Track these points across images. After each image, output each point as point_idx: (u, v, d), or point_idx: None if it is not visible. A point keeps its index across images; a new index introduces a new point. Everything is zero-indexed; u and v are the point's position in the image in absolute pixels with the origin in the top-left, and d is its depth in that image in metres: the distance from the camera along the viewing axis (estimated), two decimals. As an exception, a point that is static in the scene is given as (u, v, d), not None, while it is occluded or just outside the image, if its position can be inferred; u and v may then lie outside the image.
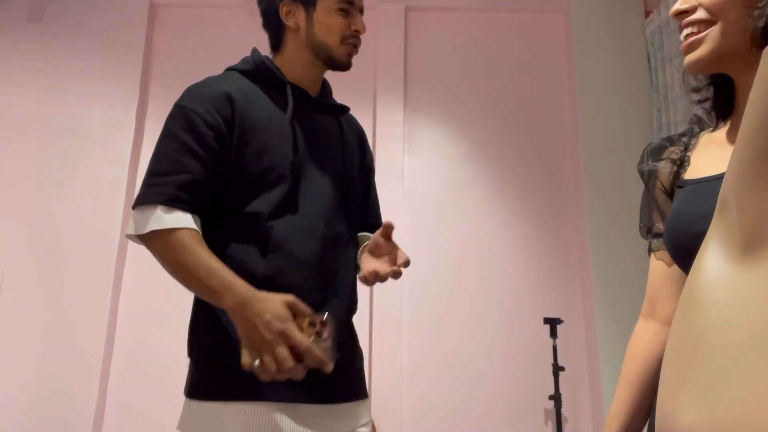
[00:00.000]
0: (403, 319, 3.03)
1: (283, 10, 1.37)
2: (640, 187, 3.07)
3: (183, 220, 1.17)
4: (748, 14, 0.81)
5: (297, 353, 1.05)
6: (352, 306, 1.35)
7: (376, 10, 3.38)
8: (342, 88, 3.27)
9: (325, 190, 1.31)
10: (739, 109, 0.91)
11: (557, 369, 2.77)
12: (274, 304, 1.08)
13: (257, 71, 1.36)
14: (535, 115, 3.34)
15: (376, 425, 2.78)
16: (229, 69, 1.40)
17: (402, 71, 3.33)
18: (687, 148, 0.98)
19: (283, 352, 1.04)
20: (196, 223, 1.19)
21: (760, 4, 0.79)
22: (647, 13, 3.29)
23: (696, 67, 0.88)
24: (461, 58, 3.43)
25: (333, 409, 1.23)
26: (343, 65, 1.39)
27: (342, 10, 1.37)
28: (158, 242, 1.17)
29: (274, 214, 1.23)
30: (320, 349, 1.06)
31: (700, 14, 0.87)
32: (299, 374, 1.05)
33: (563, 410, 2.82)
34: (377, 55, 3.34)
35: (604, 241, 3.00)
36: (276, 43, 1.41)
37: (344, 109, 1.48)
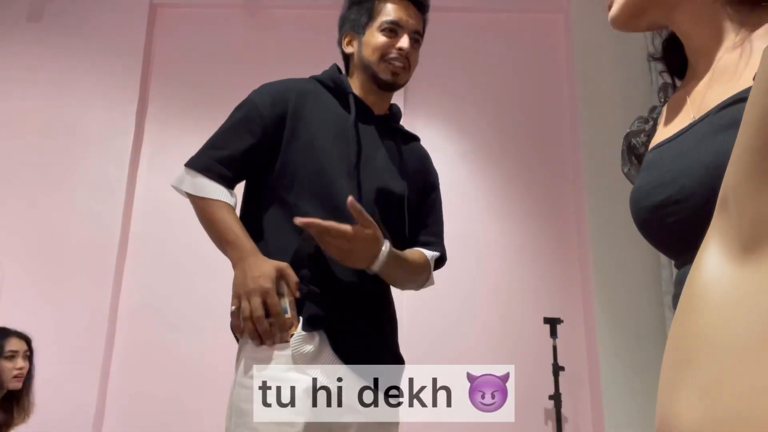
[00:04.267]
0: (403, 319, 3.02)
1: (344, 40, 1.56)
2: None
3: (210, 189, 1.37)
4: None
5: (267, 311, 1.24)
6: (372, 302, 1.43)
7: (376, 10, 3.39)
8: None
9: (364, 195, 1.40)
10: (691, 64, 0.79)
11: (557, 369, 2.77)
12: (267, 266, 1.27)
13: (330, 79, 1.51)
14: (535, 115, 3.34)
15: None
16: (312, 76, 1.56)
17: (402, 71, 3.33)
18: (656, 122, 0.85)
19: (256, 302, 1.23)
20: (228, 194, 1.38)
21: None
22: (647, 13, 3.28)
23: (617, 23, 0.79)
24: (461, 57, 3.43)
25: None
26: (383, 81, 1.48)
27: (386, 30, 1.47)
28: (193, 202, 1.40)
29: (311, 207, 1.35)
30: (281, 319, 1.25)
31: None
32: (264, 329, 1.23)
33: (563, 410, 2.82)
34: (377, 55, 3.35)
35: (604, 240, 2.99)
36: (346, 71, 1.57)
37: (408, 136, 1.61)
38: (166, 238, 3.13)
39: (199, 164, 1.40)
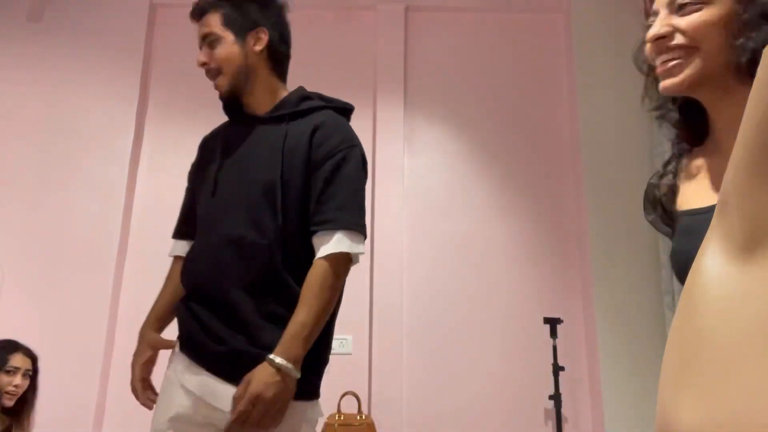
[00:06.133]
0: (403, 319, 3.03)
1: None
2: (640, 187, 3.08)
3: (175, 248, 1.61)
4: (729, 44, 0.81)
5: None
6: (236, 295, 1.35)
7: (376, 10, 3.38)
8: (342, 88, 3.27)
9: (236, 198, 1.40)
10: (715, 134, 0.89)
11: (557, 369, 2.77)
12: (141, 340, 1.62)
13: None
14: (535, 115, 3.34)
15: (375, 424, 2.77)
16: None
17: (402, 71, 3.33)
18: (675, 175, 0.96)
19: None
20: (182, 246, 1.57)
21: (743, 36, 0.80)
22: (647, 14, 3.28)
23: (672, 91, 0.88)
24: (461, 58, 3.43)
25: None
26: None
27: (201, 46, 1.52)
28: None
29: (198, 234, 1.50)
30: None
31: (680, 40, 0.85)
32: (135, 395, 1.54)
33: (563, 410, 2.82)
34: (377, 55, 3.34)
35: (604, 241, 2.99)
36: None
37: (299, 114, 1.46)
38: (166, 238, 3.11)
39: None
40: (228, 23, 1.47)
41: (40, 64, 3.32)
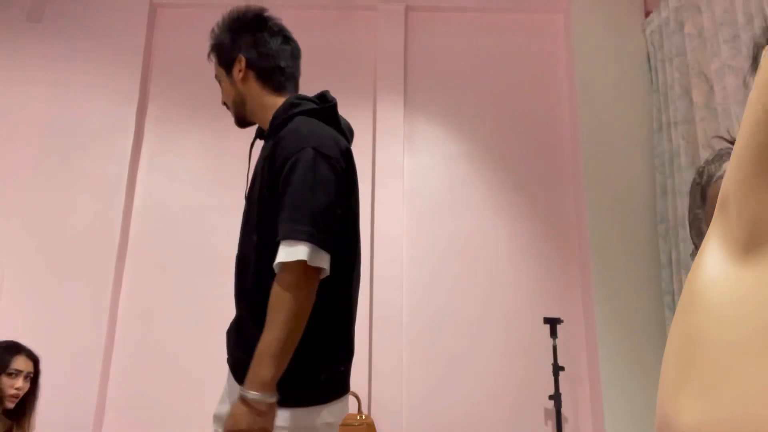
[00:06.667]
0: (403, 319, 3.03)
1: None
2: (640, 187, 3.08)
3: None
4: None
5: None
6: (242, 309, 1.44)
7: (376, 10, 3.38)
8: (342, 88, 3.27)
9: (244, 218, 1.51)
10: None
11: (557, 369, 2.77)
12: None
13: None
14: (535, 115, 3.34)
15: (375, 424, 2.77)
16: None
17: (402, 71, 3.33)
18: None
19: None
20: None
21: None
22: (647, 13, 3.29)
23: None
24: (461, 58, 3.43)
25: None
26: None
27: None
28: None
29: None
30: None
31: None
32: None
33: (563, 410, 2.82)
34: (377, 55, 3.34)
35: (604, 241, 2.99)
36: None
37: (279, 128, 1.46)
38: (166, 237, 3.13)
39: None
40: (220, 62, 1.62)
41: (40, 64, 3.32)
